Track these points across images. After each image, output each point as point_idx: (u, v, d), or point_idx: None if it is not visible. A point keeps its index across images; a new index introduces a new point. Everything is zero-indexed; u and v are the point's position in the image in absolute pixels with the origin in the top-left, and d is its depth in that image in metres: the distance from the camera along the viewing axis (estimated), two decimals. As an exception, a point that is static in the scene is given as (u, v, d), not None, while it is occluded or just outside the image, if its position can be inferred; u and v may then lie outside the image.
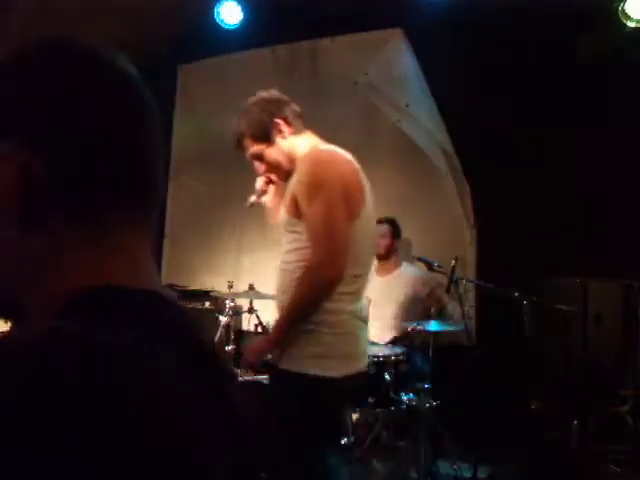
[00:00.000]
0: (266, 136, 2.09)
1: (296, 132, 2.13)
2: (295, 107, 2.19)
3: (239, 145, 2.14)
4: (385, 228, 3.70)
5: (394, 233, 3.78)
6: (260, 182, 2.28)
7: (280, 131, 2.10)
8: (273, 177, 2.18)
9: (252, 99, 2.19)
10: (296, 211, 1.99)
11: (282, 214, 2.07)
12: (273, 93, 2.22)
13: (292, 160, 2.10)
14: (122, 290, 0.50)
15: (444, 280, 3.33)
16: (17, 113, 0.51)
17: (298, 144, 2.13)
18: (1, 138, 0.50)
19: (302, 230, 1.98)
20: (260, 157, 2.11)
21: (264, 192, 2.28)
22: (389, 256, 3.76)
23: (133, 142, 0.55)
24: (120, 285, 0.51)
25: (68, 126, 0.51)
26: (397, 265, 3.80)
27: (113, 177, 0.53)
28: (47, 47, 0.56)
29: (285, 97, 2.21)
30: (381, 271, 3.74)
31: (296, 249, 2.00)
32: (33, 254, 0.51)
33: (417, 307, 3.72)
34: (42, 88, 0.51)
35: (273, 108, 2.13)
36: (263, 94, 2.21)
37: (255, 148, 2.10)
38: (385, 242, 3.71)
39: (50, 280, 0.51)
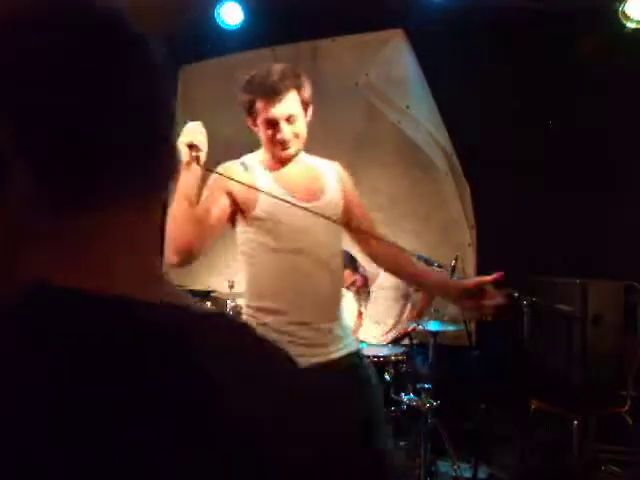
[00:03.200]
0: (307, 106, 1.90)
1: None
2: None
3: (278, 91, 1.79)
4: (347, 273, 3.76)
5: (351, 269, 3.83)
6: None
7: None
8: (294, 147, 1.86)
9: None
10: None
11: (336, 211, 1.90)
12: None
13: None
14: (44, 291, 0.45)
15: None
16: None
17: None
18: None
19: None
20: (293, 120, 1.83)
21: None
22: (363, 286, 3.90)
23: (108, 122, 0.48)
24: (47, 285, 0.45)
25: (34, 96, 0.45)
26: (373, 281, 3.91)
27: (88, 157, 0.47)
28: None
29: None
30: (362, 293, 3.92)
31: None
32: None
33: (410, 302, 3.88)
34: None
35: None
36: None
37: (299, 109, 1.84)
38: (349, 284, 3.83)
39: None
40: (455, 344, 3.55)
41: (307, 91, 1.88)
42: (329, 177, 1.99)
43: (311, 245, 1.82)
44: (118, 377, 0.42)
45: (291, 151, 1.86)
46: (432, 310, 3.56)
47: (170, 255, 1.73)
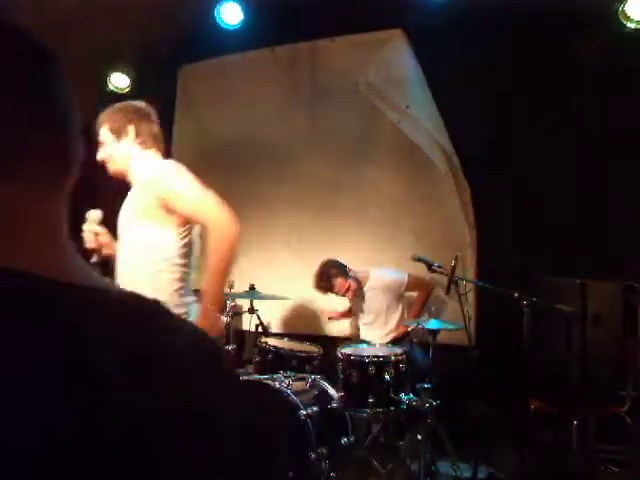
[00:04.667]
0: (117, 132, 2.30)
1: (142, 145, 2.33)
2: (154, 127, 2.37)
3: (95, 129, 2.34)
4: (338, 282, 3.85)
5: (343, 276, 3.88)
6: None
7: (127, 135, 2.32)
8: (109, 166, 2.33)
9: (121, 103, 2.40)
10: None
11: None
12: (141, 104, 2.39)
13: (126, 163, 2.33)
14: None
15: (444, 280, 3.34)
16: None
17: (136, 154, 2.33)
18: None
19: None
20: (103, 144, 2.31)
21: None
22: (358, 289, 3.93)
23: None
24: None
25: None
26: (364, 282, 3.95)
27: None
28: None
29: (151, 114, 2.38)
30: (359, 295, 3.97)
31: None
32: None
33: (403, 302, 3.95)
34: None
35: (132, 115, 2.33)
36: (133, 102, 2.40)
37: (106, 137, 2.30)
38: (345, 291, 3.88)
39: None
40: (455, 344, 3.55)
41: (110, 119, 2.33)
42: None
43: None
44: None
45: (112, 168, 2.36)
46: (432, 309, 3.56)
47: None
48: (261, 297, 3.60)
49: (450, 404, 3.12)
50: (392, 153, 4.35)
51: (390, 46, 4.24)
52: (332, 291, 3.91)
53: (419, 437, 2.98)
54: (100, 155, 2.31)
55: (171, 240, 2.19)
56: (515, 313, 3.03)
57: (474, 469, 3.16)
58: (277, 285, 3.95)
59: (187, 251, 2.24)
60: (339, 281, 3.85)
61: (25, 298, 0.48)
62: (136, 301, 0.57)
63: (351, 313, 4.20)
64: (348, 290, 3.87)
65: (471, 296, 3.76)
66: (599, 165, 3.65)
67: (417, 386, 3.08)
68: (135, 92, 4.61)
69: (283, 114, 4.57)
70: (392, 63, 4.24)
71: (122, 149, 2.31)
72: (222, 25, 4.38)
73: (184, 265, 2.24)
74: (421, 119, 4.14)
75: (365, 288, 3.93)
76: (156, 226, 2.18)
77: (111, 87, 4.58)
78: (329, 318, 4.31)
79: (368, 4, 3.96)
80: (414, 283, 3.91)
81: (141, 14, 4.01)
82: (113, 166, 2.33)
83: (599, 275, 3.33)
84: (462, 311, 3.21)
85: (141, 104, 2.38)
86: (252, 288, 3.58)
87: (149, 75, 4.63)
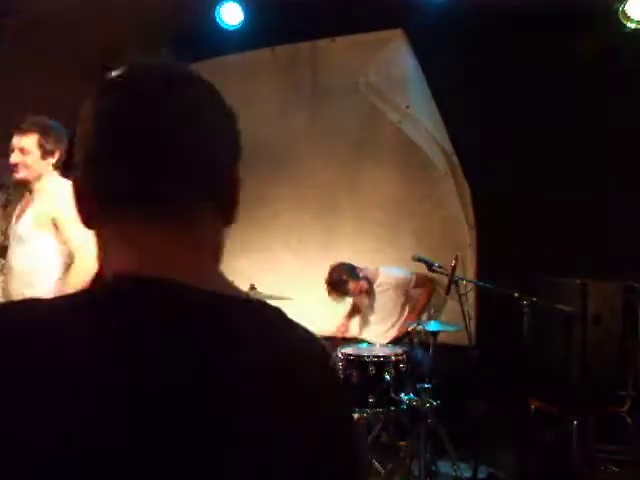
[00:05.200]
0: (46, 152, 2.59)
1: (56, 166, 2.64)
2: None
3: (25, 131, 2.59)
4: (352, 287, 3.86)
5: (355, 280, 3.88)
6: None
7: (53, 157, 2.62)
8: (20, 171, 2.60)
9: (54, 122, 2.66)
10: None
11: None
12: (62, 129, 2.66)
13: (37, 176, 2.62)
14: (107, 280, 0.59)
15: (444, 280, 3.34)
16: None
17: (50, 173, 2.64)
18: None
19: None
20: (25, 152, 2.57)
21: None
22: (369, 287, 3.94)
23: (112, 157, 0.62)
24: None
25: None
26: (375, 279, 3.95)
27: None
28: None
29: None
30: (371, 293, 3.97)
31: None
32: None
33: (410, 302, 3.95)
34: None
35: (63, 142, 2.62)
36: (59, 124, 2.67)
37: (32, 149, 2.57)
38: (359, 293, 3.90)
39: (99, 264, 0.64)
40: (455, 344, 3.55)
41: (43, 129, 2.62)
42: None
43: None
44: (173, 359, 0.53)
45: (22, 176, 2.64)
46: (432, 310, 3.56)
47: None
48: (261, 297, 3.60)
49: (450, 404, 3.12)
50: (392, 153, 4.35)
51: (390, 46, 4.24)
52: (346, 295, 3.91)
53: (419, 437, 2.98)
54: (16, 159, 2.57)
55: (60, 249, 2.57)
56: (515, 313, 3.03)
57: (474, 469, 3.16)
58: (277, 285, 3.94)
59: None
60: (352, 286, 3.85)
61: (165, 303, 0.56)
62: (270, 311, 0.63)
63: (354, 312, 4.18)
64: (362, 292, 3.88)
65: (471, 296, 3.76)
66: (599, 165, 3.65)
67: (417, 386, 3.08)
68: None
69: (283, 114, 4.57)
70: (392, 63, 4.23)
71: (42, 166, 2.60)
72: (222, 25, 4.38)
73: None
74: (421, 119, 4.13)
75: (375, 285, 3.93)
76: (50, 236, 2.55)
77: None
78: (343, 333, 4.17)
79: (368, 4, 3.96)
80: (422, 280, 3.91)
81: (141, 14, 4.01)
82: (25, 174, 2.60)
83: (599, 275, 3.33)
84: (462, 311, 3.21)
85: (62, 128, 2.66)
86: (252, 288, 3.58)
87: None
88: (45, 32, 3.85)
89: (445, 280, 3.27)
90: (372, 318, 4.01)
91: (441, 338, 3.24)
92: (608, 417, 3.16)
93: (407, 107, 4.16)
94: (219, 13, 4.35)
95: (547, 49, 3.78)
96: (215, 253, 0.66)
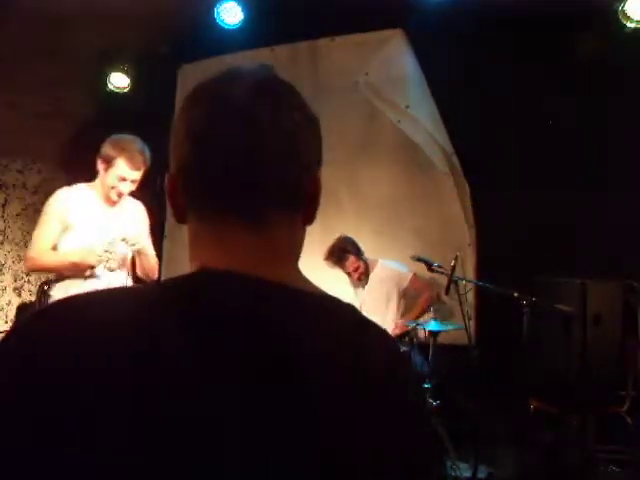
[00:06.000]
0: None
1: None
2: None
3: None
4: (351, 260, 3.90)
5: (357, 256, 3.94)
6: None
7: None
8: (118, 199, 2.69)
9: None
10: None
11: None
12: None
13: None
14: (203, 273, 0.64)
15: (443, 280, 3.34)
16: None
17: None
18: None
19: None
20: (135, 183, 2.67)
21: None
22: (364, 273, 3.97)
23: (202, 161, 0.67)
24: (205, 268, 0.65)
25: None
26: (372, 269, 3.99)
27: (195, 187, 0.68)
28: None
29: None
30: (363, 280, 4.01)
31: None
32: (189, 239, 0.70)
33: (406, 298, 3.98)
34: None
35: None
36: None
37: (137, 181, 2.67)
38: (353, 270, 3.93)
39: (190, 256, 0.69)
40: (455, 344, 3.55)
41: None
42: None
43: None
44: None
45: (120, 200, 2.69)
46: (431, 310, 3.56)
47: None
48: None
49: (450, 404, 3.12)
50: (392, 153, 4.35)
51: (390, 46, 4.24)
52: (341, 266, 3.92)
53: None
54: (126, 190, 2.64)
55: None
56: (515, 313, 3.03)
57: (474, 469, 3.15)
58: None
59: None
60: (352, 259, 3.88)
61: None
62: (347, 309, 0.66)
63: None
64: (357, 270, 3.90)
65: (471, 296, 3.76)
66: (599, 165, 3.65)
67: (417, 386, 3.07)
68: (135, 92, 4.61)
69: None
70: (392, 63, 4.23)
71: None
72: (222, 25, 4.38)
73: None
74: (421, 119, 4.13)
75: (370, 275, 3.94)
76: None
77: (111, 87, 4.57)
78: None
79: (368, 4, 3.96)
80: (417, 284, 3.91)
81: (141, 14, 4.00)
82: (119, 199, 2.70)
83: (599, 275, 3.33)
84: (462, 311, 3.21)
85: None
86: None
87: (149, 75, 4.63)
88: (45, 32, 3.85)
89: (445, 280, 3.27)
90: (363, 308, 4.02)
91: (441, 338, 3.24)
92: (608, 417, 3.16)
93: (407, 107, 4.16)
94: (219, 13, 4.35)
95: (547, 49, 3.78)
96: (294, 252, 0.71)
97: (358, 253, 3.91)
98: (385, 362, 0.64)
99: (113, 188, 2.61)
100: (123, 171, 2.57)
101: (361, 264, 3.91)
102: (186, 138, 0.67)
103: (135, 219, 2.79)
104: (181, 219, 0.70)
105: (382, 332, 0.68)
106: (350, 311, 0.66)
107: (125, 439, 0.49)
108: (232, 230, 0.65)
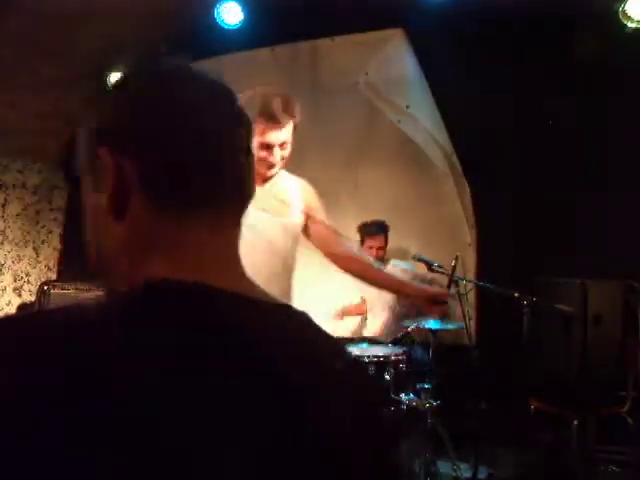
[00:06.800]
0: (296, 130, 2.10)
1: None
2: None
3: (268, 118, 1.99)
4: (382, 238, 3.96)
5: (386, 240, 4.00)
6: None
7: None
8: (277, 168, 2.09)
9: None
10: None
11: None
12: None
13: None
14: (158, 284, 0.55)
15: (444, 280, 3.33)
16: (111, 127, 0.61)
17: None
18: (102, 145, 0.60)
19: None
20: (285, 146, 2.05)
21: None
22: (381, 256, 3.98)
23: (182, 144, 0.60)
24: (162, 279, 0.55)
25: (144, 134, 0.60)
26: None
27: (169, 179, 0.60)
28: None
29: None
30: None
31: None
32: (118, 240, 0.60)
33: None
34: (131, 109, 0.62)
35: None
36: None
37: (291, 136, 2.07)
38: (378, 248, 3.96)
39: (124, 264, 0.60)
40: (455, 344, 3.55)
41: (299, 119, 2.07)
42: (294, 197, 2.23)
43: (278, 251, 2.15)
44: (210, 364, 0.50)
45: (274, 171, 2.06)
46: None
47: None
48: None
49: (450, 404, 3.12)
50: (392, 153, 4.34)
51: (390, 46, 4.23)
52: (369, 239, 3.96)
53: (419, 437, 2.98)
54: (278, 158, 2.02)
55: None
56: (515, 313, 3.03)
57: (474, 469, 3.16)
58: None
59: None
60: (382, 238, 3.96)
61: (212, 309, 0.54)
62: (300, 316, 0.63)
63: (364, 308, 4.17)
64: (381, 249, 3.95)
65: (471, 296, 3.76)
66: (599, 165, 3.65)
67: (417, 386, 3.08)
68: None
69: (283, 114, 4.56)
70: (392, 63, 4.23)
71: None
72: (222, 25, 4.38)
73: None
74: (421, 119, 4.13)
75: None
76: None
77: (111, 87, 4.57)
78: (344, 314, 4.22)
79: (368, 3, 3.96)
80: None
81: (141, 14, 4.01)
82: (279, 168, 2.09)
83: (599, 275, 3.33)
84: (462, 311, 3.21)
85: None
86: None
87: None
88: (45, 32, 3.85)
89: (445, 280, 3.27)
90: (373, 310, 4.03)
91: (441, 338, 3.24)
92: (608, 417, 3.16)
93: (407, 107, 4.16)
94: (219, 13, 4.35)
95: (547, 49, 3.78)
96: (238, 251, 0.66)
97: (386, 240, 3.99)
98: (362, 385, 0.64)
99: None
100: None
101: (382, 253, 3.96)
102: (158, 113, 0.61)
103: None
104: (120, 212, 0.59)
105: (336, 341, 0.67)
106: (307, 319, 0.63)
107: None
108: (199, 231, 0.60)
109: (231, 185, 0.63)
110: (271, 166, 2.02)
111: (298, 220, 2.22)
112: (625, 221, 3.55)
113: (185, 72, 0.68)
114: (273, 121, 1.96)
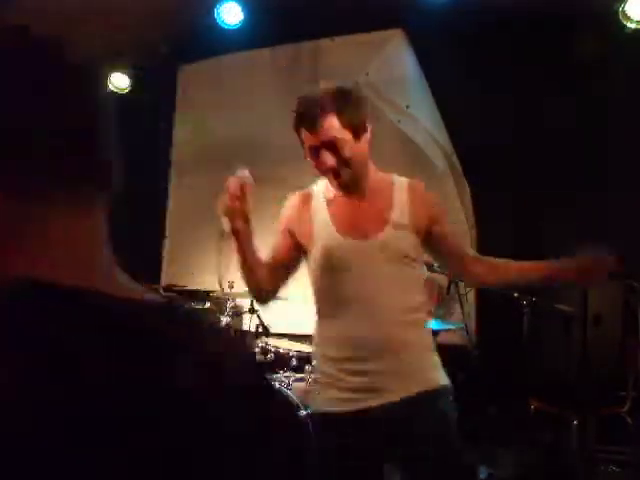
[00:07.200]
0: (358, 128, 1.83)
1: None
2: None
3: (308, 121, 1.75)
4: None
5: None
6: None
7: (366, 132, 1.86)
8: (344, 173, 1.80)
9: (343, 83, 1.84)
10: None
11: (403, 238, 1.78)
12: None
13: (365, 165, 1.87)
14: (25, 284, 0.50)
15: (444, 280, 3.33)
16: None
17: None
18: None
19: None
20: (334, 147, 1.76)
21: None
22: None
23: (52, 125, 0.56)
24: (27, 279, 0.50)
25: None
26: None
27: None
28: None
29: None
30: None
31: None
32: None
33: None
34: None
35: (366, 107, 1.92)
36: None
37: (342, 133, 1.76)
38: None
39: None
40: (455, 344, 3.55)
41: (351, 111, 1.79)
42: (397, 204, 1.88)
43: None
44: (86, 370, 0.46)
45: (343, 178, 1.78)
46: (431, 309, 3.55)
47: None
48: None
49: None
50: (392, 153, 4.34)
51: (390, 46, 4.24)
52: None
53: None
54: (331, 161, 1.74)
55: None
56: (515, 313, 3.03)
57: (474, 469, 3.15)
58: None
59: None
60: None
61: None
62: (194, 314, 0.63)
63: None
64: None
65: (471, 296, 3.76)
66: (599, 165, 3.65)
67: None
68: (135, 92, 4.61)
69: (283, 114, 4.55)
70: (392, 63, 4.24)
71: (363, 149, 1.87)
72: (222, 25, 4.38)
73: None
74: (421, 119, 4.13)
75: None
76: None
77: (111, 87, 4.58)
78: None
79: (368, 4, 3.96)
80: (429, 285, 3.89)
81: (141, 14, 4.01)
82: (350, 173, 1.80)
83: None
84: (462, 311, 3.21)
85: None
86: (231, 286, 3.55)
87: (149, 75, 4.63)
88: (45, 32, 3.85)
89: (445, 280, 3.27)
90: None
91: (441, 338, 3.24)
92: (608, 417, 3.15)
93: (407, 107, 4.16)
94: (219, 13, 4.36)
95: (547, 49, 3.78)
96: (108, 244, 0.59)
97: None
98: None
99: None
100: None
101: None
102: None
103: None
104: None
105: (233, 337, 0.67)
106: (201, 318, 0.64)
107: None
108: (55, 216, 0.54)
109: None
110: (329, 172, 1.79)
111: (404, 236, 1.89)
112: (625, 221, 3.55)
113: None
114: (309, 121, 1.75)
